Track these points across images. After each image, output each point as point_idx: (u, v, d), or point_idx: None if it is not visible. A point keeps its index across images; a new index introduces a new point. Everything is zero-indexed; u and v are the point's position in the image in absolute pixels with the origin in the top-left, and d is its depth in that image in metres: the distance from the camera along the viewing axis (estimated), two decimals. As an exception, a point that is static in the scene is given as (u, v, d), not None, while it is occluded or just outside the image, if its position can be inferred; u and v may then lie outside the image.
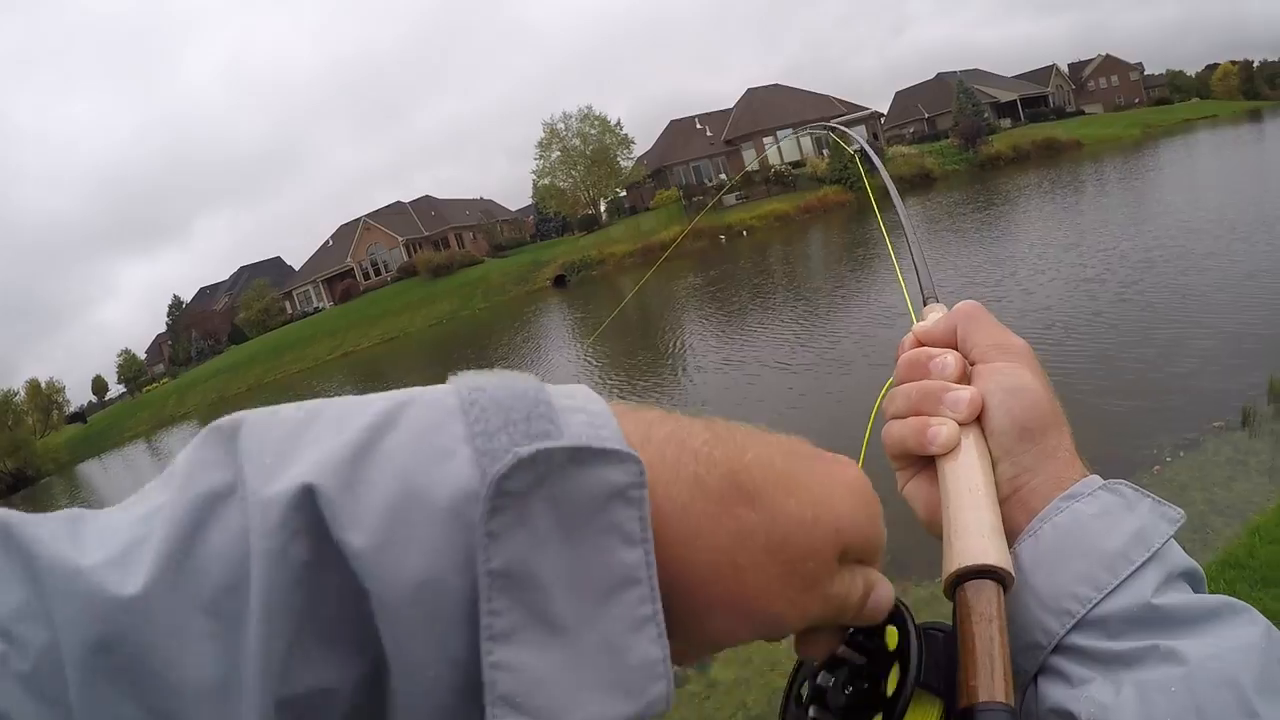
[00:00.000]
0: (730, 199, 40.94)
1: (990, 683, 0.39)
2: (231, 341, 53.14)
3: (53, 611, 0.25)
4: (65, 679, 0.25)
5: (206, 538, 0.26)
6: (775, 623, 0.34)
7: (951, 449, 0.50)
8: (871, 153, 1.31)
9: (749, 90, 50.80)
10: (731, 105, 51.05)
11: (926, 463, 0.53)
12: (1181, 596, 0.43)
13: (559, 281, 37.54)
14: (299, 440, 0.28)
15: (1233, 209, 14.56)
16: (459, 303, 38.91)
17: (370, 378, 25.71)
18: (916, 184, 40.27)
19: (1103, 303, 9.69)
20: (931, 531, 0.52)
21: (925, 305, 0.68)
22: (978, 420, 0.51)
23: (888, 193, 1.03)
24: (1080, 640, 0.43)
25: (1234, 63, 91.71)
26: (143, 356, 65.09)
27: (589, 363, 15.90)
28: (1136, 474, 5.04)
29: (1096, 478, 0.48)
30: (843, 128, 2.35)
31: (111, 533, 0.27)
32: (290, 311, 54.72)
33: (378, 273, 51.89)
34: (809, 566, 0.33)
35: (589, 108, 47.56)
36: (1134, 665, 0.41)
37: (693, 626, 0.32)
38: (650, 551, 0.28)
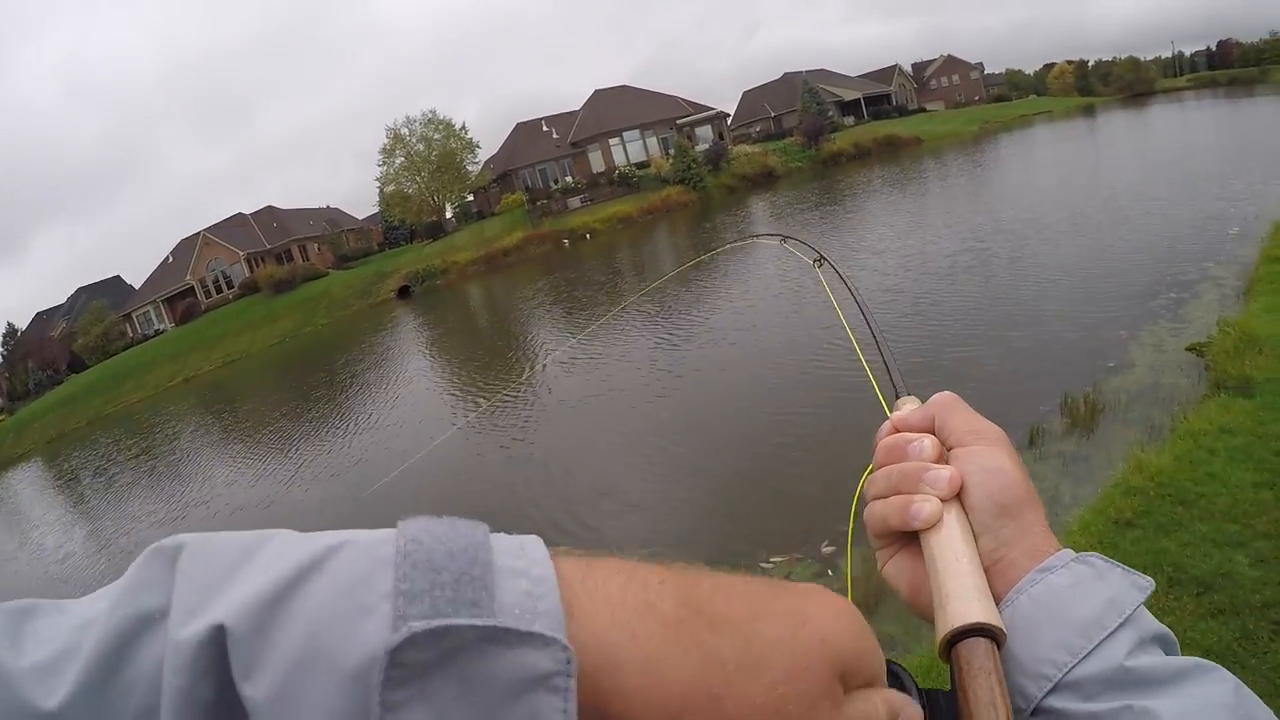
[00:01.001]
0: (574, 201, 40.95)
1: None
2: (71, 370, 49.22)
3: None
4: None
5: (132, 658, 0.26)
6: None
7: (935, 523, 0.52)
8: (841, 274, 1.28)
9: (596, 92, 50.75)
10: (580, 107, 50.92)
11: (907, 541, 0.56)
12: (1153, 659, 0.45)
13: (403, 293, 36.60)
14: (230, 575, 0.28)
15: (1045, 207, 15.43)
16: (301, 319, 37.38)
17: (215, 404, 24.38)
18: (759, 182, 41.34)
19: (896, 315, 9.71)
20: (913, 608, 0.55)
21: (898, 399, 0.71)
22: (957, 498, 0.53)
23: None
24: (1058, 703, 0.45)
25: (1070, 62, 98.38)
26: (-22, 392, 59.65)
27: (438, 379, 15.48)
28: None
29: (1069, 551, 0.50)
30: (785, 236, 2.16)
31: (49, 637, 0.27)
32: (131, 335, 51.29)
33: (219, 289, 49.24)
34: (802, 687, 0.31)
35: (433, 111, 46.65)
36: None
37: None
38: None
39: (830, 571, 4.71)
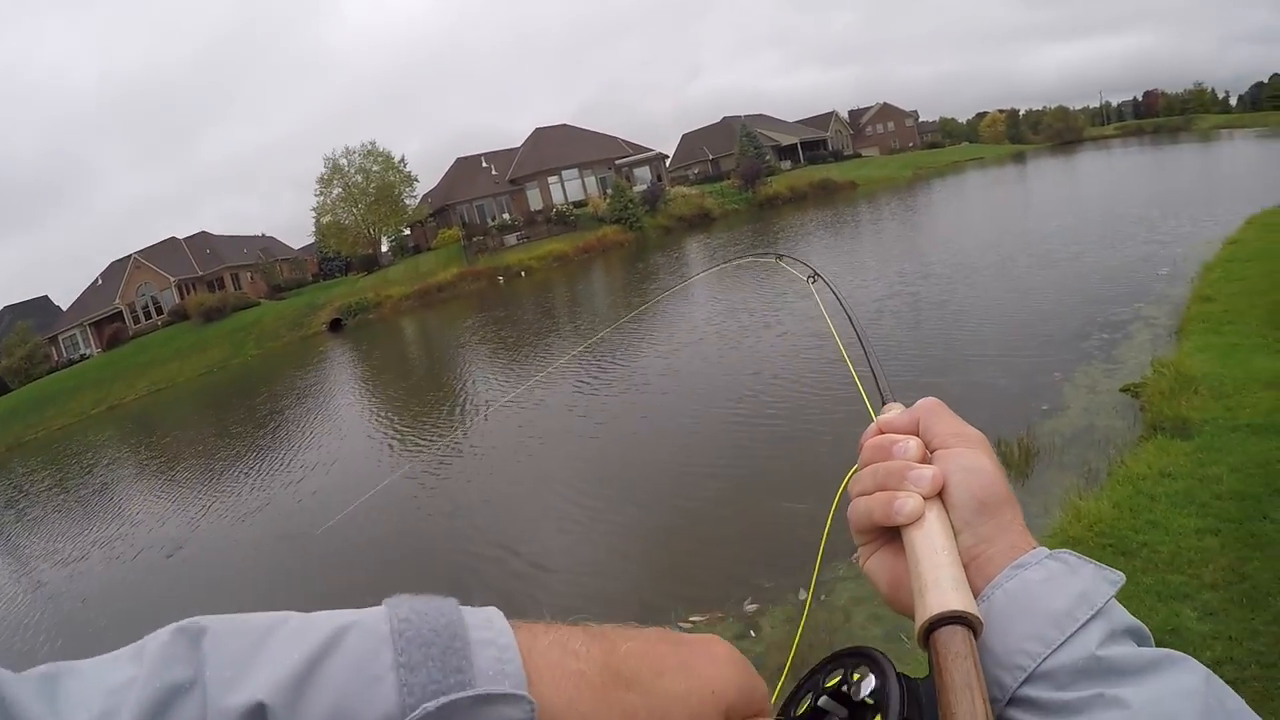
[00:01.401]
0: (511, 239, 41.46)
1: (972, 712, 0.42)
2: (-8, 392, 47.74)
3: None
4: None
5: None
6: None
7: (917, 519, 0.54)
8: (834, 288, 1.36)
9: (536, 130, 51.66)
10: (520, 144, 51.66)
11: (889, 538, 0.58)
12: (1125, 649, 0.46)
13: (335, 326, 36.53)
14: (255, 655, 0.33)
15: (975, 251, 15.82)
16: (230, 350, 37.03)
17: (138, 433, 24.23)
18: (696, 223, 42.26)
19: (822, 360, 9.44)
20: (893, 604, 0.57)
21: (884, 404, 0.75)
22: (939, 496, 0.55)
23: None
24: (1032, 692, 0.46)
25: (1001, 111, 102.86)
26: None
27: (365, 422, 15.57)
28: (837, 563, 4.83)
29: (1044, 549, 0.52)
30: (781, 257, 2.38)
31: (84, 701, 0.31)
32: (56, 358, 49.90)
33: (149, 315, 48.30)
34: None
35: (373, 143, 47.02)
36: (1082, 712, 0.44)
37: None
38: None
39: (752, 632, 4.62)
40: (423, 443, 11.53)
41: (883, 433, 0.62)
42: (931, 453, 0.58)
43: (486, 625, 0.37)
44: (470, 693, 0.33)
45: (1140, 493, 4.29)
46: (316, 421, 16.09)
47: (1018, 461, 5.70)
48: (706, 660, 0.41)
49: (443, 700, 0.32)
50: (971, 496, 0.54)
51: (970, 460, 0.56)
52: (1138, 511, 4.09)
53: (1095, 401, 6.72)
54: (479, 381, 15.55)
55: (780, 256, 2.30)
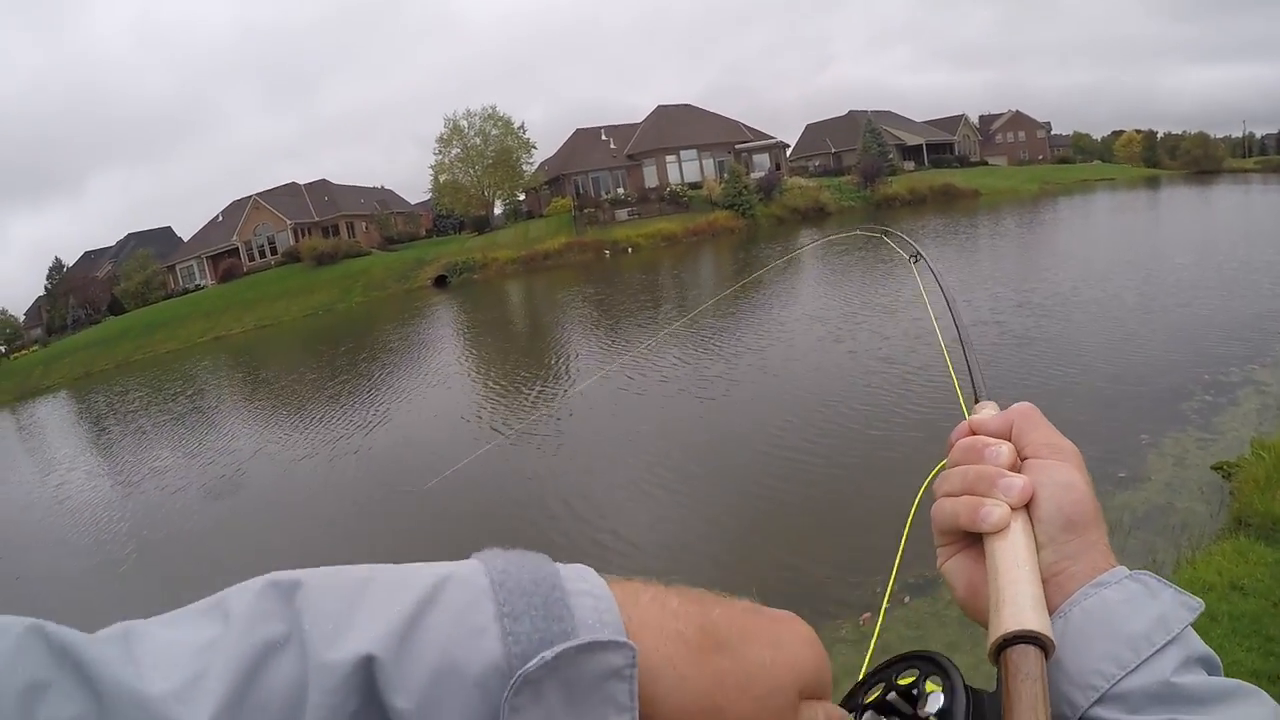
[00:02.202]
0: (622, 214, 40.77)
1: None
2: (110, 312, 50.16)
3: None
4: None
5: (265, 682, 0.31)
6: None
7: (1002, 529, 0.54)
8: (935, 271, 1.29)
9: (659, 107, 50.69)
10: (641, 120, 50.79)
11: (970, 542, 0.58)
12: (1198, 677, 0.47)
13: (440, 282, 36.67)
14: (355, 609, 0.33)
15: (1085, 283, 14.19)
16: (337, 294, 37.67)
17: (240, 364, 24.97)
18: (810, 216, 41.04)
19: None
20: (966, 610, 0.57)
21: (977, 402, 0.72)
22: (1026, 508, 0.55)
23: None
24: (1104, 713, 0.47)
25: (1139, 131, 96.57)
26: (20, 318, 60.97)
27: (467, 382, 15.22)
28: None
29: (1124, 568, 0.52)
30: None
31: (171, 662, 0.31)
32: (172, 286, 52.11)
33: (263, 254, 49.76)
34: (775, 701, 0.39)
35: (494, 107, 46.66)
36: None
37: None
38: (635, 714, 0.34)
39: (826, 625, 4.44)
40: (520, 407, 11.33)
41: (974, 433, 0.61)
42: (1022, 461, 0.58)
43: (581, 578, 0.37)
44: (575, 642, 0.33)
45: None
46: (409, 374, 15.88)
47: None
48: (792, 635, 0.42)
49: (558, 649, 0.32)
50: (1060, 512, 0.54)
51: (1062, 474, 0.55)
52: (1188, 634, 3.32)
53: (1181, 477, 5.90)
54: (575, 351, 15.28)
55: (886, 232, 2.20)
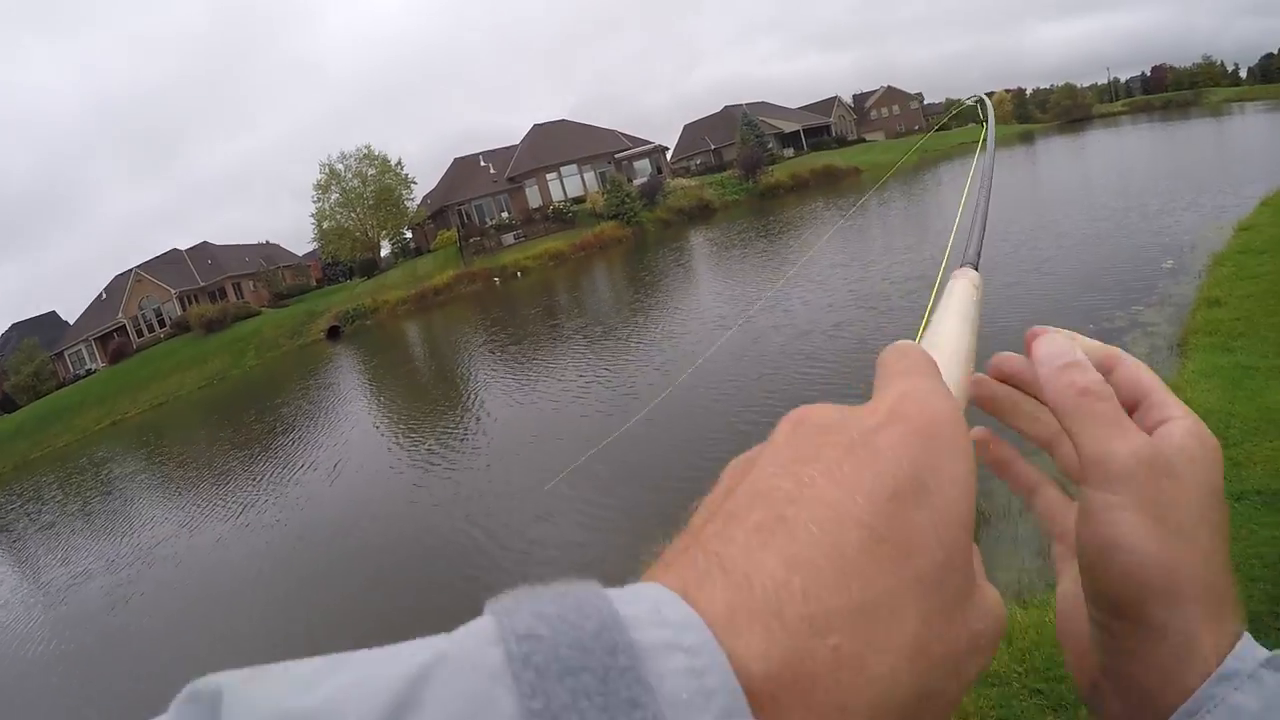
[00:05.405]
0: (508, 238, 40.92)
1: None
2: (1, 410, 47.95)
3: None
4: None
5: None
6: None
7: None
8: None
9: (535, 126, 50.76)
10: (518, 142, 50.93)
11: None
12: None
13: (333, 333, 36.09)
14: None
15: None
16: (230, 360, 36.74)
17: (142, 447, 23.86)
18: (696, 215, 41.50)
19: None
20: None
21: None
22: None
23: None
24: None
25: (1008, 90, 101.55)
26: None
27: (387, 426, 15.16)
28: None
29: (1251, 643, 0.35)
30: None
31: None
32: (63, 375, 50.02)
33: (152, 328, 48.16)
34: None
35: (368, 146, 46.19)
36: None
37: None
38: None
39: None
40: (413, 450, 11.35)
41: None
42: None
43: (653, 615, 0.21)
44: None
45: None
46: (306, 445, 15.55)
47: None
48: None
49: None
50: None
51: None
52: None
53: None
54: (482, 387, 15.22)
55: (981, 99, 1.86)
